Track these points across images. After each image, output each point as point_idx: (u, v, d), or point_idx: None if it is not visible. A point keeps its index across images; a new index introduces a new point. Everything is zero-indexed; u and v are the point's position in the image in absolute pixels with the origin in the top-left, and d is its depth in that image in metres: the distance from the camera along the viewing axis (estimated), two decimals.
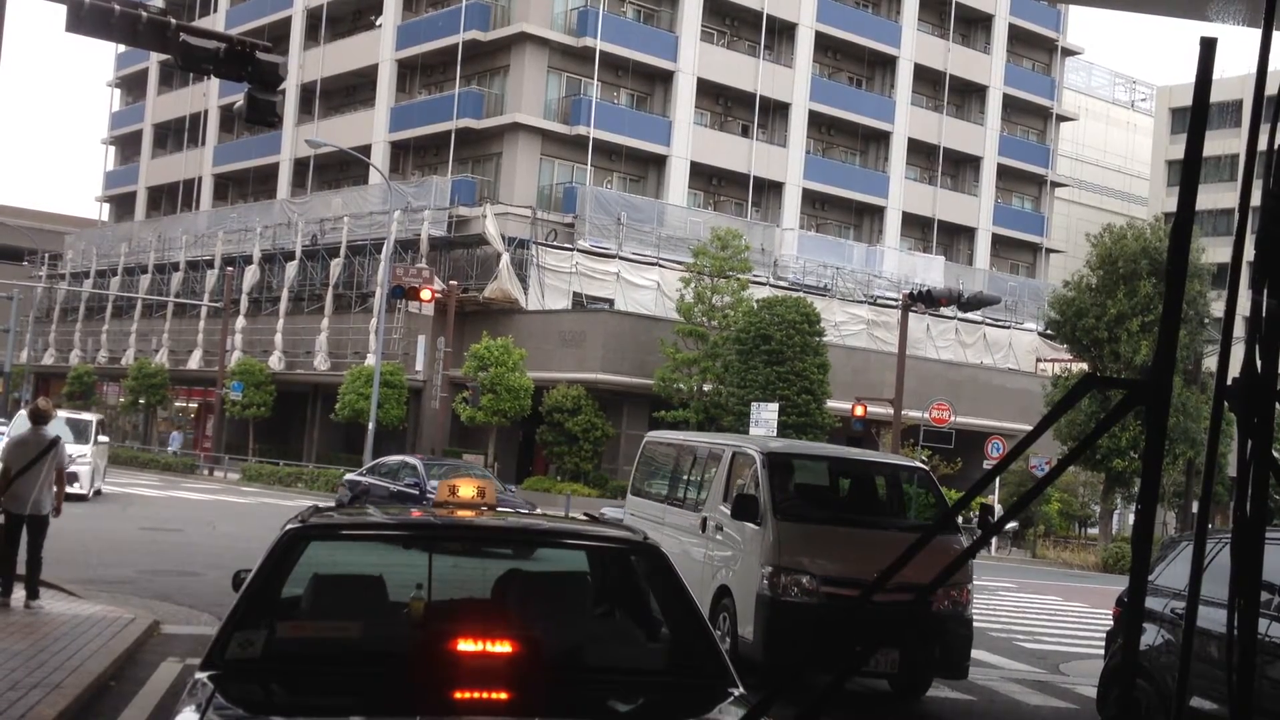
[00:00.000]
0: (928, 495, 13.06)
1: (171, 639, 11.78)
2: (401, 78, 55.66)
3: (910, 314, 37.54)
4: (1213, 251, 38.65)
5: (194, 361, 56.33)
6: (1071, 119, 69.04)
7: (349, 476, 29.40)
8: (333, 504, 22.72)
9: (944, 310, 43.62)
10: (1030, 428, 2.59)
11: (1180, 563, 9.25)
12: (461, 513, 5.82)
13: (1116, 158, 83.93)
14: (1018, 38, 63.36)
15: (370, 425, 39.57)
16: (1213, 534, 7.86)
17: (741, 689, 4.67)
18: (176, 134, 69.60)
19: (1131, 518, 41.24)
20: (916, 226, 60.25)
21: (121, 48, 64.55)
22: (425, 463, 27.08)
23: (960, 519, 15.28)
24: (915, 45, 59.12)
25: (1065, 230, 69.80)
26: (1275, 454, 2.24)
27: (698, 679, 4.80)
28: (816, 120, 56.68)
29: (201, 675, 4.37)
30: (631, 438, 36.87)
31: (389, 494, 25.61)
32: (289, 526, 5.20)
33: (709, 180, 54.25)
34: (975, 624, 12.15)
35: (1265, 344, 2.19)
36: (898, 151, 58.78)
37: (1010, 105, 63.14)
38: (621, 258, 46.80)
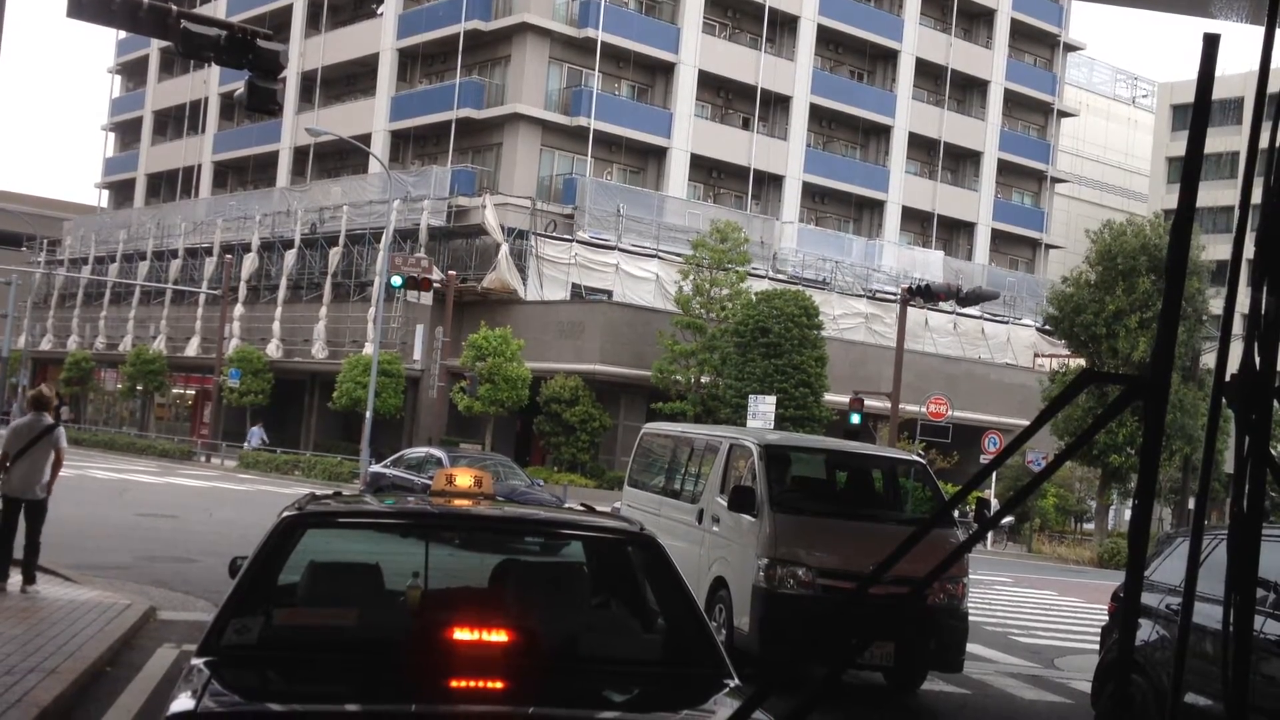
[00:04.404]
0: (924, 489, 13.06)
1: (168, 625, 11.80)
2: (402, 67, 55.60)
3: (909, 308, 37.56)
4: (1212, 249, 38.65)
5: (192, 348, 56.34)
6: (1072, 115, 69.01)
7: (373, 469, 29.01)
8: (330, 492, 22.55)
9: (943, 305, 43.62)
10: (1027, 423, 2.60)
11: (1176, 559, 9.26)
12: (459, 502, 5.83)
13: (1117, 154, 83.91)
14: (1019, 33, 63.33)
15: (368, 414, 39.57)
16: (1209, 530, 7.87)
17: (737, 680, 4.68)
18: (177, 121, 69.53)
19: (1128, 513, 41.31)
20: (916, 221, 60.24)
21: (122, 34, 64.48)
22: (450, 455, 26.50)
23: (956, 513, 15.30)
24: (917, 39, 59.08)
25: (1065, 226, 69.80)
26: (1273, 451, 2.24)
27: (693, 670, 4.81)
28: (817, 114, 56.65)
29: (198, 661, 4.38)
30: (629, 429, 36.89)
31: (417, 487, 24.87)
32: (286, 514, 5.20)
33: (709, 173, 54.23)
34: (971, 618, 12.18)
35: (1264, 341, 2.19)
36: (898, 146, 58.77)
37: (1011, 100, 63.11)
38: (620, 249, 46.78)
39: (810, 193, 56.82)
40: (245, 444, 49.16)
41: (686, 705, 4.65)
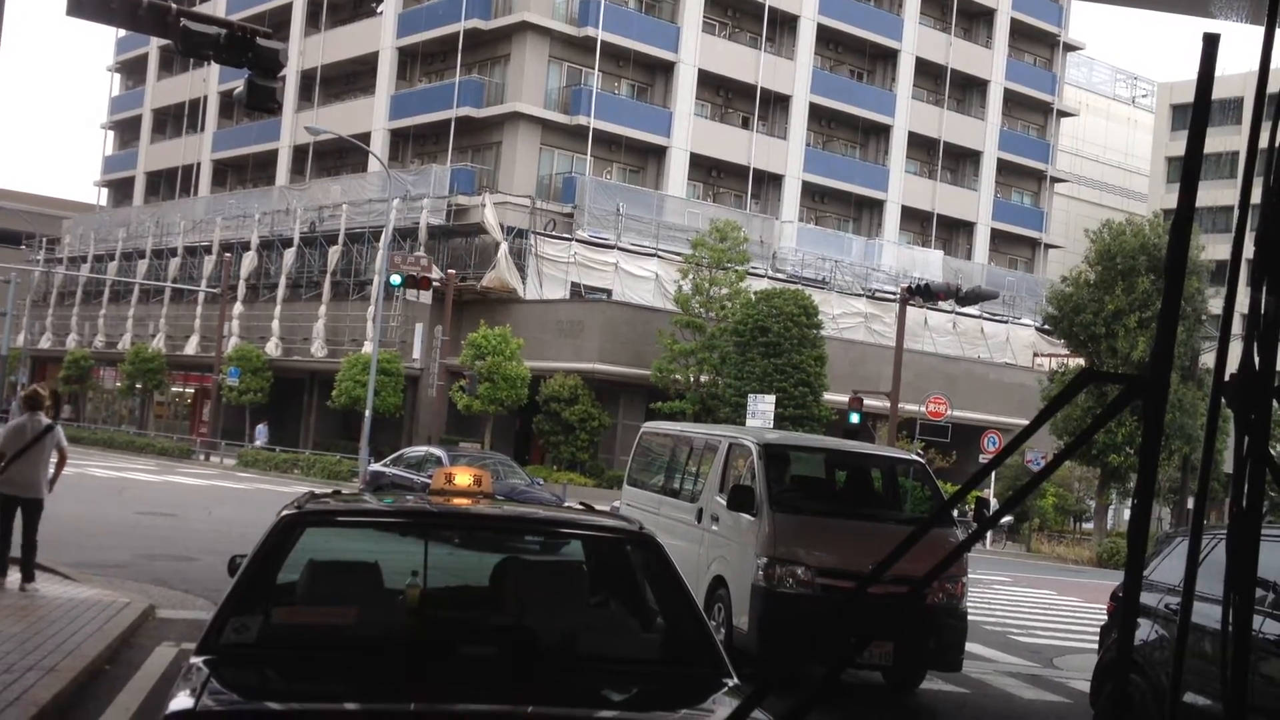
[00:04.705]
0: (923, 488, 13.06)
1: (167, 623, 11.79)
2: (402, 65, 55.58)
3: (908, 307, 37.55)
4: (1212, 249, 38.66)
5: (191, 347, 56.32)
6: (1072, 114, 69.01)
7: (373, 468, 29.00)
8: (329, 490, 22.39)
9: (942, 304, 43.63)
10: (1027, 422, 2.59)
11: (1175, 558, 9.26)
12: (458, 501, 5.83)
13: (1116, 154, 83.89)
14: (1019, 32, 63.33)
15: (367, 413, 39.57)
16: (1208, 530, 7.87)
17: (736, 679, 4.68)
18: (176, 119, 69.52)
19: (1127, 513, 41.32)
20: (916, 220, 60.24)
21: (122, 32, 64.46)
22: (450, 454, 26.46)
23: (956, 512, 15.31)
24: (917, 39, 59.07)
25: (1064, 226, 69.79)
26: (1272, 451, 2.24)
27: (692, 669, 4.81)
28: (817, 113, 56.65)
29: (197, 660, 4.38)
30: (628, 428, 36.89)
31: (416, 486, 24.72)
32: (285, 513, 5.20)
33: (708, 172, 54.22)
34: (970, 617, 12.18)
35: (1263, 341, 2.19)
36: (898, 145, 58.77)
37: (1011, 100, 63.11)
38: (620, 248, 46.78)
39: (810, 192, 56.81)
40: (254, 442, 49.14)
41: (685, 704, 4.65)
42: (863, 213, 59.35)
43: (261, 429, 49.51)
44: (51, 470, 12.76)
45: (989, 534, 36.13)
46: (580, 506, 6.67)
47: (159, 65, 71.15)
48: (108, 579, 14.00)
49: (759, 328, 38.40)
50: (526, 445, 44.75)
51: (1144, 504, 2.25)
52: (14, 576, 12.40)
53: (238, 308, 53.60)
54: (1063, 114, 66.79)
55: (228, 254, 54.05)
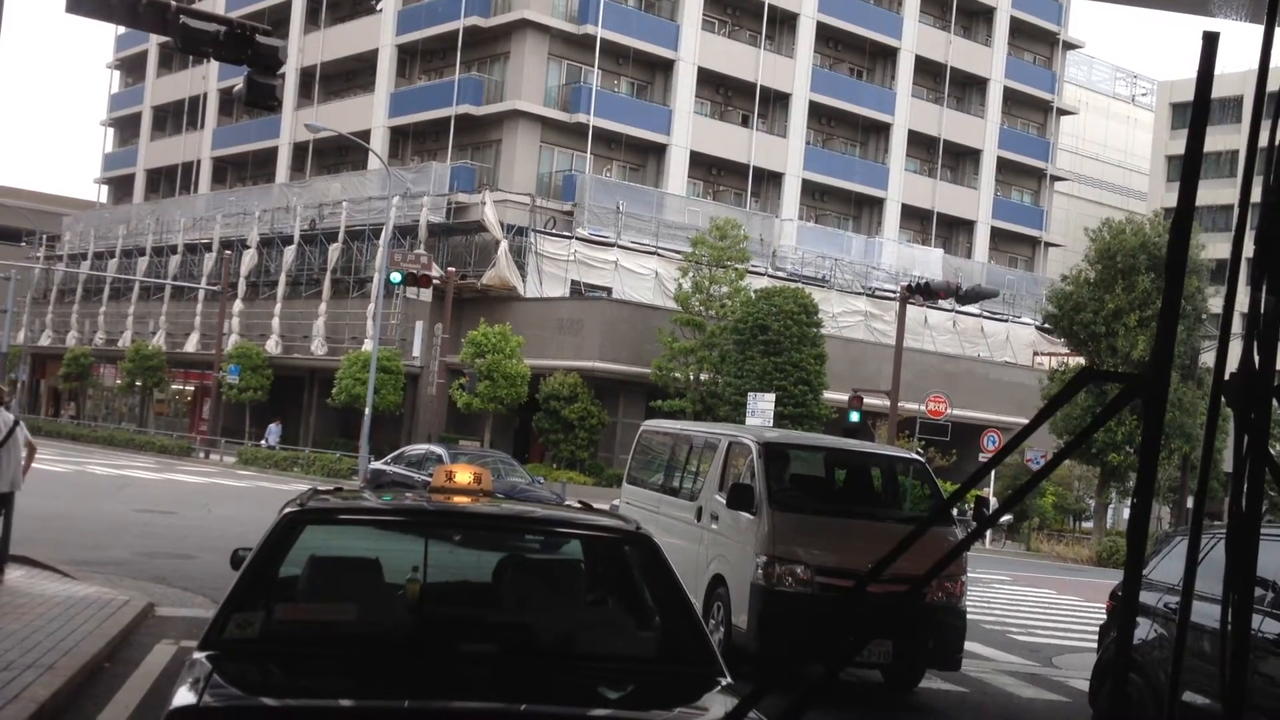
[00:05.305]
0: (923, 487, 13.05)
1: (166, 621, 11.79)
2: (402, 63, 55.56)
3: (908, 306, 37.54)
4: (1212, 248, 38.66)
5: (191, 344, 56.32)
6: (1072, 113, 68.99)
7: (374, 465, 29.04)
8: (330, 488, 22.35)
9: (942, 303, 43.60)
10: (1026, 421, 2.59)
11: (1174, 557, 9.27)
12: (458, 499, 5.84)
13: (1116, 152, 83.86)
14: (1019, 31, 63.31)
15: (367, 411, 39.56)
16: (1207, 529, 7.87)
17: (729, 678, 4.69)
18: (175, 116, 69.49)
19: (1126, 512, 41.30)
20: (915, 219, 60.23)
21: (121, 29, 64.41)
22: (450, 452, 26.54)
23: (955, 511, 15.30)
24: (916, 37, 59.05)
25: (1064, 224, 69.77)
26: (1272, 450, 2.24)
27: (687, 668, 4.82)
28: (817, 111, 56.63)
29: (199, 655, 4.40)
30: (628, 426, 36.89)
31: (417, 484, 24.62)
32: (287, 510, 5.22)
33: (708, 170, 54.21)
34: (969, 616, 12.18)
35: (1263, 340, 2.19)
36: (898, 143, 58.75)
37: (1011, 98, 63.08)
38: (620, 246, 46.77)
39: (810, 190, 56.80)
40: (266, 441, 48.98)
41: (680, 703, 4.66)
42: (863, 211, 59.34)
43: (274, 428, 49.31)
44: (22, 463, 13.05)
45: (989, 533, 36.14)
46: (579, 505, 6.68)
47: (158, 62, 71.11)
48: (107, 576, 13.99)
49: (759, 326, 38.39)
50: (526, 443, 44.74)
51: (1144, 503, 2.25)
52: (13, 574, 12.47)
53: (238, 305, 53.59)
54: (1062, 112, 66.77)
55: (228, 251, 54.05)
